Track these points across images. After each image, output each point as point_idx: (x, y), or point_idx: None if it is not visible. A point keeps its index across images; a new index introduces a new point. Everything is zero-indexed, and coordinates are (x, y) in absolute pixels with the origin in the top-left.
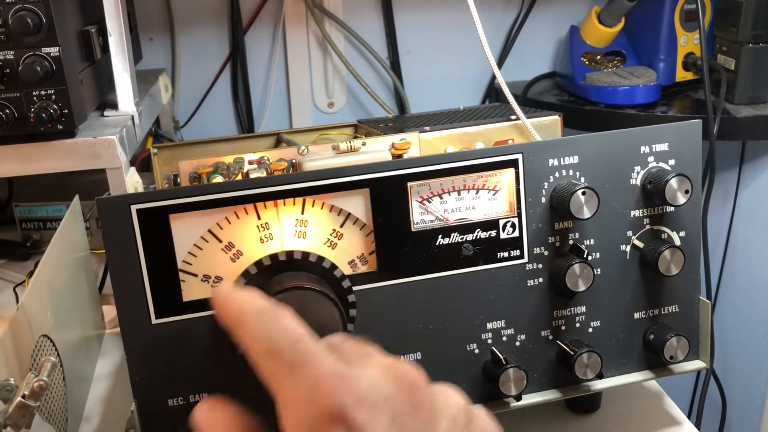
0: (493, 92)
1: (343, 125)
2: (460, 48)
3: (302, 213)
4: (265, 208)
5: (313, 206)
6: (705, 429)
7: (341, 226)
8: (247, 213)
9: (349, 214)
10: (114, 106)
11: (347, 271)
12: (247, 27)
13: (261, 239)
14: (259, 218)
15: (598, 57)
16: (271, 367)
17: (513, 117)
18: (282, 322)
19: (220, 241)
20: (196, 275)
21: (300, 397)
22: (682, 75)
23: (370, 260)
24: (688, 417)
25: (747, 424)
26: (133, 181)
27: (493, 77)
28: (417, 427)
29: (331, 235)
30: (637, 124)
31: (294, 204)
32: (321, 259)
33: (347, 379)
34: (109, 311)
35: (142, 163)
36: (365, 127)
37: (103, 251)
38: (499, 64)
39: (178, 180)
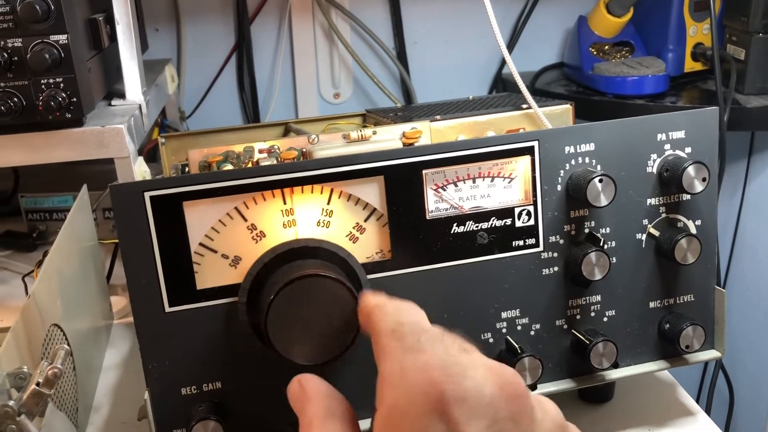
0: (500, 83)
1: (352, 115)
2: (467, 39)
3: (328, 202)
4: (275, 196)
5: (330, 194)
6: (713, 419)
7: (365, 220)
8: (257, 202)
9: (372, 208)
10: (121, 95)
11: (348, 246)
12: (253, 17)
13: (277, 226)
14: (271, 205)
15: (607, 47)
16: (390, 344)
17: (524, 106)
18: (412, 311)
19: (216, 249)
20: (216, 251)
21: (405, 376)
22: (690, 65)
23: (368, 229)
24: None
25: (754, 415)
26: (141, 171)
27: (500, 68)
28: None
29: (353, 228)
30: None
31: (312, 192)
32: (336, 247)
33: (455, 374)
34: (117, 302)
35: (148, 153)
36: (374, 117)
37: (110, 241)
38: None
39: (187, 169)
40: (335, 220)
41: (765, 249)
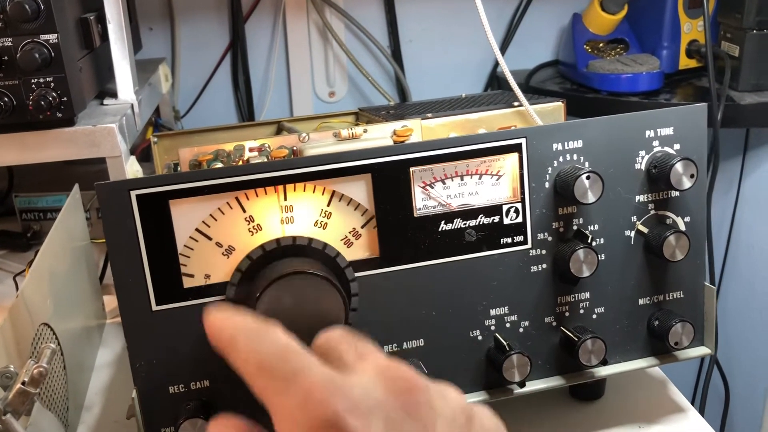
0: (495, 81)
1: (345, 113)
2: (462, 37)
3: (286, 199)
4: (266, 193)
5: (314, 192)
6: (708, 416)
7: (327, 204)
8: (247, 198)
9: (333, 192)
10: (113, 94)
11: (342, 249)
12: (248, 16)
13: (261, 226)
14: (259, 203)
15: (601, 45)
16: (264, 383)
17: (516, 104)
18: (270, 337)
19: (211, 237)
20: (210, 239)
21: (293, 409)
22: (685, 62)
23: (363, 235)
24: (691, 404)
25: (750, 412)
26: (133, 170)
27: (495, 66)
28: (413, 427)
29: (349, 233)
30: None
31: (305, 191)
32: (324, 245)
33: (339, 387)
34: (110, 301)
35: (143, 153)
36: (367, 115)
37: (104, 241)
38: (502, 53)
39: (179, 168)
40: (332, 222)
41: (760, 246)
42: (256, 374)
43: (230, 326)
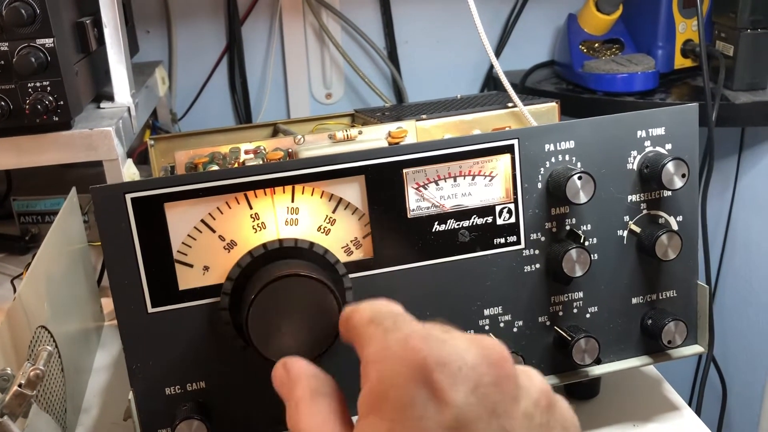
0: (491, 82)
1: (341, 115)
2: (458, 38)
3: (292, 200)
4: (258, 196)
5: (303, 193)
6: (705, 415)
7: (333, 211)
8: (239, 202)
9: (340, 199)
10: (110, 98)
11: (342, 256)
12: (244, 18)
13: (255, 228)
14: (251, 207)
15: (596, 45)
16: (369, 331)
17: (510, 104)
18: (385, 303)
19: (214, 231)
20: (191, 265)
21: (387, 351)
22: (680, 62)
23: (365, 244)
24: (689, 403)
25: (747, 410)
26: (130, 173)
27: (491, 67)
28: (498, 399)
29: (324, 221)
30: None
31: (290, 191)
32: (316, 246)
33: (435, 342)
34: (108, 303)
35: (140, 156)
36: (362, 117)
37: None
38: (497, 53)
39: (175, 171)
40: (305, 217)
41: (757, 244)
42: (365, 325)
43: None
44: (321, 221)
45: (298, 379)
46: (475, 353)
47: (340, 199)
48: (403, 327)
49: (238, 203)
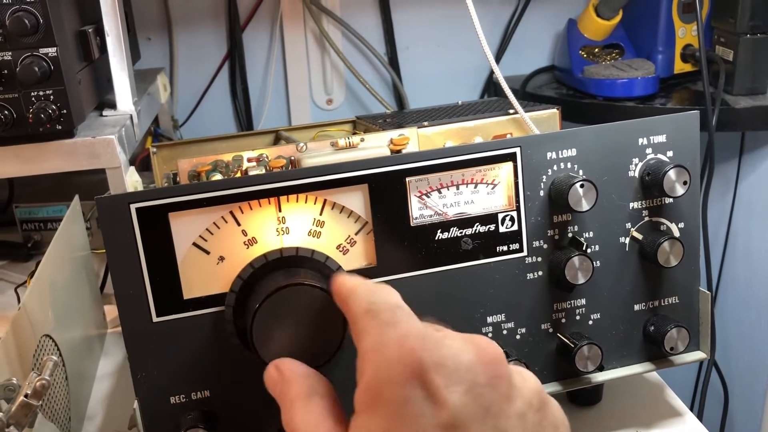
0: (492, 87)
1: (342, 122)
2: (459, 43)
3: (280, 210)
4: (260, 206)
5: (307, 202)
6: (708, 419)
7: (357, 233)
8: (243, 211)
9: (364, 221)
10: (113, 105)
11: (338, 257)
12: (245, 25)
13: (265, 235)
14: (257, 215)
15: (596, 50)
16: (366, 322)
17: (511, 111)
18: (384, 291)
19: (209, 252)
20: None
21: (384, 348)
22: (680, 67)
23: (359, 242)
24: (691, 408)
25: (749, 415)
26: (132, 181)
27: (492, 72)
28: (492, 399)
29: (345, 240)
30: (636, 116)
31: (306, 201)
32: (318, 254)
33: (432, 342)
34: (111, 310)
35: (142, 162)
36: (364, 123)
37: (105, 251)
38: (498, 59)
39: (178, 179)
40: (327, 231)
41: (758, 248)
42: (362, 314)
43: (354, 281)
44: (342, 240)
45: (292, 379)
46: (471, 354)
47: (325, 200)
48: (400, 323)
49: (243, 212)
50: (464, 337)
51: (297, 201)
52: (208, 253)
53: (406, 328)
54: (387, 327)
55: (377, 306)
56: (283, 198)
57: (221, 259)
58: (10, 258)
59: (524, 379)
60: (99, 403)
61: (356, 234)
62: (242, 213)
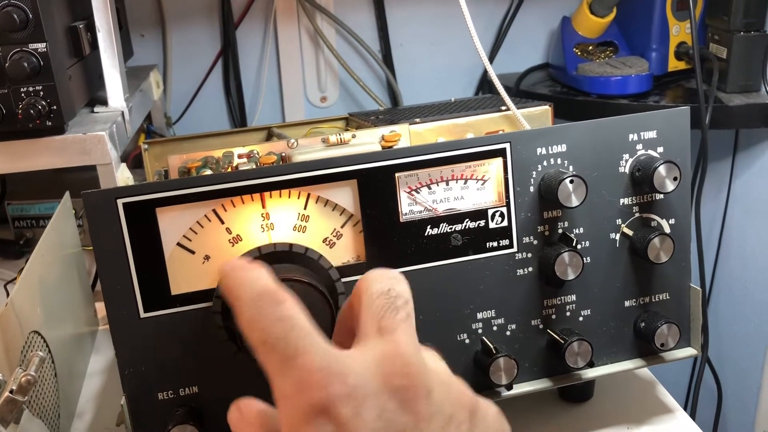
0: (486, 84)
1: (335, 118)
2: (453, 40)
3: (305, 207)
4: (254, 199)
5: (307, 199)
6: (701, 416)
7: (342, 226)
8: (235, 205)
9: (350, 214)
10: (104, 102)
11: (324, 250)
12: (238, 22)
13: (252, 230)
14: (245, 210)
15: (590, 47)
16: (264, 357)
17: (503, 108)
18: (275, 312)
19: (194, 250)
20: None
21: (290, 391)
22: (674, 64)
23: (345, 234)
24: (685, 405)
25: (742, 412)
26: (123, 177)
27: (486, 69)
28: (406, 422)
29: (331, 234)
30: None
31: (289, 197)
32: (308, 250)
33: (335, 373)
34: (103, 308)
35: (135, 159)
36: (356, 120)
37: None
38: (492, 57)
39: (168, 175)
40: (312, 226)
41: (751, 246)
42: (258, 347)
43: (237, 285)
44: (328, 233)
45: (251, 420)
46: (379, 379)
47: (309, 194)
48: (298, 355)
49: (234, 206)
50: (382, 356)
51: (280, 196)
52: (193, 252)
53: (306, 362)
54: (286, 365)
55: (270, 337)
56: (266, 194)
57: (207, 258)
58: (2, 255)
59: (447, 393)
60: (89, 400)
61: (342, 227)
62: (225, 211)
